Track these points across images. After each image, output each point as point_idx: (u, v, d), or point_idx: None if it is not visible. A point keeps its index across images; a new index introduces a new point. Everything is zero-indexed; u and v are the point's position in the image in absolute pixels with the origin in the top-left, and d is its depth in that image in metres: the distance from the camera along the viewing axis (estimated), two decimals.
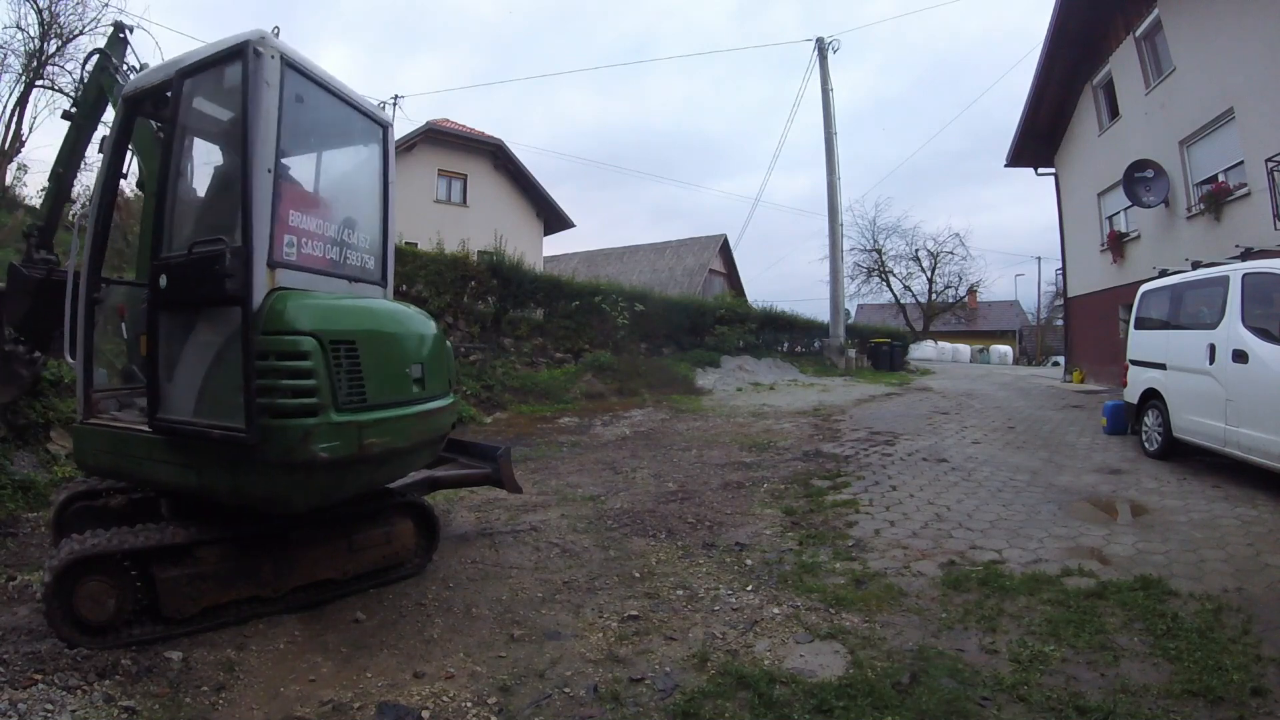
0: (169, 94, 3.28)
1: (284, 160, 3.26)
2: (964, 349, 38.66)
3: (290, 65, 3.15)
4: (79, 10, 14.04)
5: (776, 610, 3.55)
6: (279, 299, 2.97)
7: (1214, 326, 6.15)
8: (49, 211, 5.11)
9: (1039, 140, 17.72)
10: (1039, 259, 44.51)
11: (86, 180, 13.87)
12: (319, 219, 3.47)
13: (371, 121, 3.88)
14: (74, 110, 4.86)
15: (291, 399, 2.86)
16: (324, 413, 2.92)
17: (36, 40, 13.80)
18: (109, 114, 4.45)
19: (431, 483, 4.57)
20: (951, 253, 41.21)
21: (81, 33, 14.16)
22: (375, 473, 3.42)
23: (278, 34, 3.13)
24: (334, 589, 3.63)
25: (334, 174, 3.92)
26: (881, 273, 41.46)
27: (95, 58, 4.71)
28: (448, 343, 3.96)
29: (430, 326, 3.79)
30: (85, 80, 4.71)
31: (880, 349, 22.00)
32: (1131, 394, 7.85)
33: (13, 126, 13.97)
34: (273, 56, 3.03)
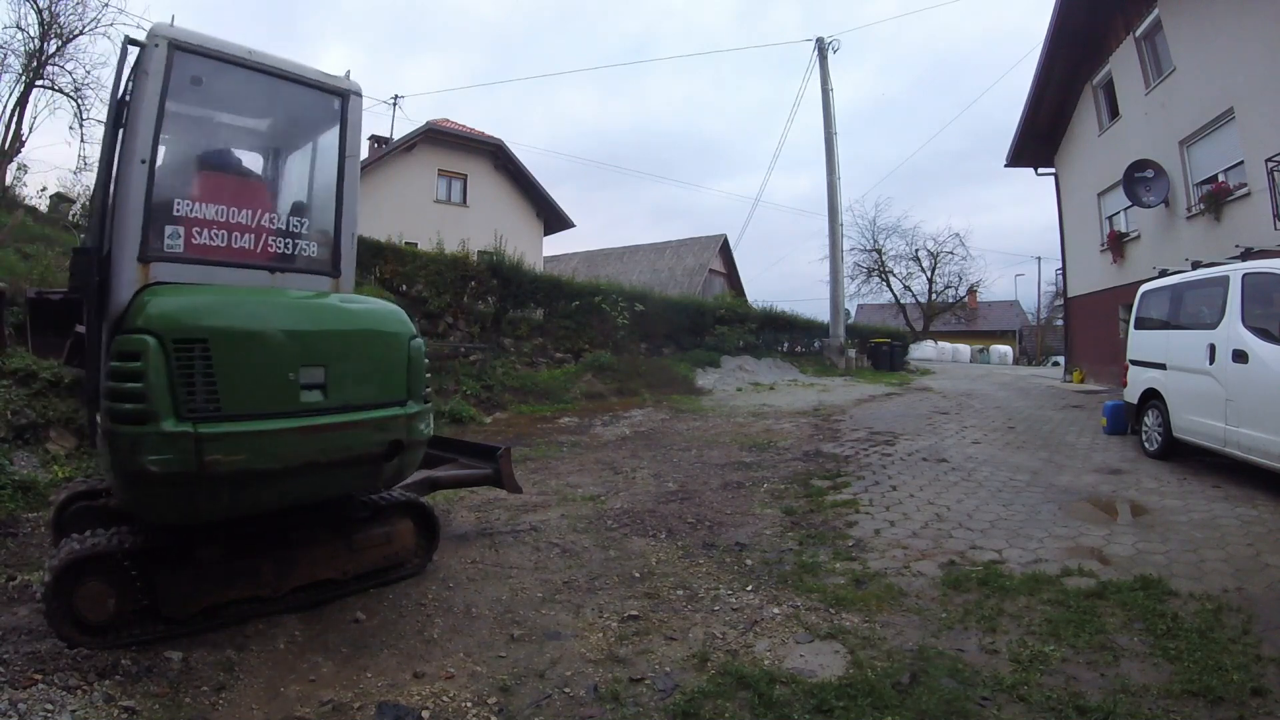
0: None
1: (194, 144, 3.20)
2: (964, 349, 38.64)
3: (182, 49, 3.00)
4: (79, 10, 14.04)
5: (776, 610, 3.55)
6: (147, 293, 2.82)
7: (1214, 326, 6.15)
8: None
9: (1039, 140, 17.71)
10: (1039, 259, 44.54)
11: (87, 179, 13.87)
12: (224, 204, 3.17)
13: (322, 93, 3.51)
14: None
15: (122, 403, 2.66)
16: (153, 421, 2.64)
17: (36, 40, 13.79)
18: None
19: (431, 483, 4.56)
20: (951, 253, 41.22)
21: (81, 33, 14.17)
22: (241, 495, 2.94)
23: (172, 21, 3.02)
24: (334, 589, 3.63)
25: (265, 153, 3.69)
26: (881, 273, 41.46)
27: None
28: (415, 342, 3.44)
29: (353, 321, 3.30)
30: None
31: (880, 349, 21.99)
32: (1131, 394, 7.85)
33: (13, 127, 13.95)
34: (156, 45, 2.92)
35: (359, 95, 3.60)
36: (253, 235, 3.26)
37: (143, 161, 2.88)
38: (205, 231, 3.11)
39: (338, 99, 3.53)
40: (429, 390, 3.53)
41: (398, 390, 3.36)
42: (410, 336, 3.44)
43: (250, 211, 3.27)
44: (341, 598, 3.61)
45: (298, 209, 3.51)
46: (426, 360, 3.52)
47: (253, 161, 3.72)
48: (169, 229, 3.00)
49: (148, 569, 3.06)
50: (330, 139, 3.58)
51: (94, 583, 2.93)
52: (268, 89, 3.43)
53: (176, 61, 2.98)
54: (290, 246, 3.39)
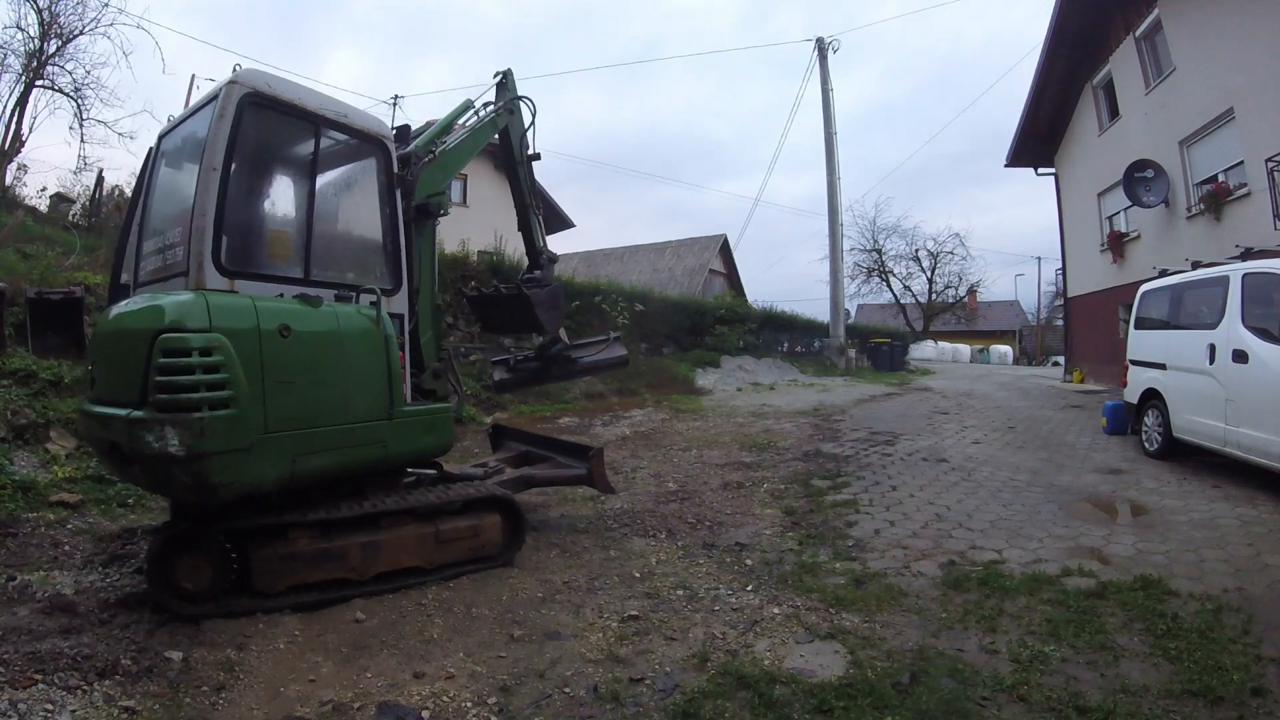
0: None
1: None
2: (964, 349, 38.63)
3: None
4: (79, 10, 13.98)
5: (776, 610, 3.56)
6: None
7: (1214, 326, 6.14)
8: (525, 240, 5.80)
9: (1039, 140, 17.71)
10: (1039, 259, 44.56)
11: (87, 179, 13.83)
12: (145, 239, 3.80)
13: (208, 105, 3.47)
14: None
15: None
16: None
17: (36, 40, 13.73)
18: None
19: (527, 480, 4.78)
20: (951, 253, 41.17)
21: (81, 33, 14.10)
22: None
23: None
24: (418, 577, 3.82)
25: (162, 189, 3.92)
26: (881, 273, 41.42)
27: (486, 106, 5.30)
28: (163, 339, 2.95)
29: (117, 321, 3.34)
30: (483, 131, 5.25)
31: (880, 349, 22.01)
32: (1131, 394, 7.84)
33: (13, 126, 13.90)
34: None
35: (222, 97, 3.39)
36: (159, 256, 3.63)
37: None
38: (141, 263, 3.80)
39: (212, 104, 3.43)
40: (183, 397, 2.90)
41: (130, 392, 3.04)
42: (155, 334, 2.95)
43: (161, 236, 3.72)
44: (422, 585, 3.78)
45: (173, 222, 3.57)
46: (191, 358, 2.91)
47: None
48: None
49: (242, 546, 3.37)
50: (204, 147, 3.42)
51: (192, 556, 3.29)
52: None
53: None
54: (172, 255, 3.50)
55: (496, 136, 5.37)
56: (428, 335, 4.51)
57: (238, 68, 3.53)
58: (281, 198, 3.99)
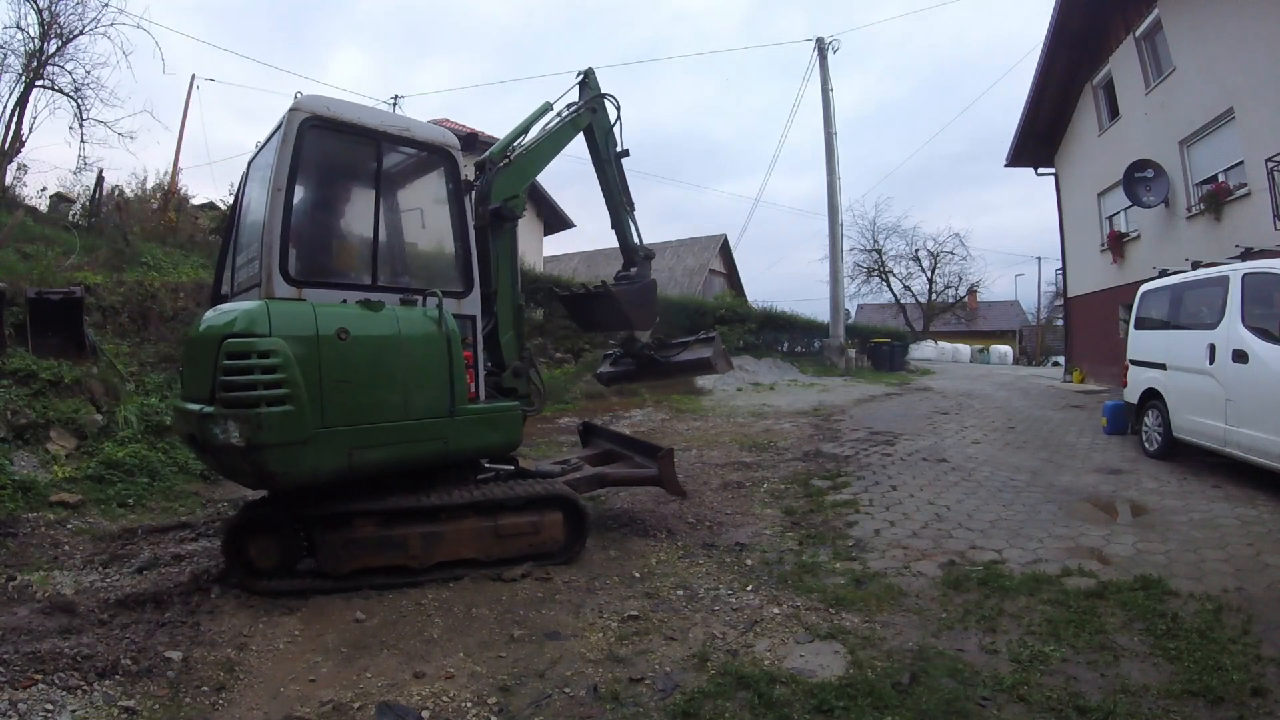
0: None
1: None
2: (964, 349, 38.57)
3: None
4: (79, 10, 13.95)
5: (776, 610, 3.56)
6: None
7: (1214, 326, 6.14)
8: (619, 238, 5.70)
9: (1039, 140, 17.69)
10: (1039, 259, 44.49)
11: (87, 179, 13.83)
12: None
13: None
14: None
15: None
16: None
17: (36, 40, 13.70)
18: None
19: (599, 479, 4.82)
20: (951, 253, 41.08)
21: (81, 33, 14.07)
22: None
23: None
24: (477, 568, 3.92)
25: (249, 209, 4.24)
26: (881, 273, 41.36)
27: (572, 106, 5.24)
28: (227, 342, 3.24)
29: (197, 328, 3.79)
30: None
31: (880, 349, 21.98)
32: (1131, 394, 7.85)
33: (13, 127, 13.87)
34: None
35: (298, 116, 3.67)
36: (247, 268, 3.97)
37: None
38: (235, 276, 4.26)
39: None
40: (243, 395, 3.17)
41: (205, 390, 3.38)
42: (223, 337, 3.26)
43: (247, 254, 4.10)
44: (479, 579, 3.88)
45: (256, 238, 3.80)
46: (250, 360, 3.19)
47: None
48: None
49: (311, 530, 3.67)
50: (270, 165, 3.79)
51: (263, 537, 3.64)
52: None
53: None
54: (254, 268, 3.83)
55: (581, 136, 5.31)
56: (508, 335, 4.62)
57: (299, 94, 3.78)
58: (347, 211, 4.22)
